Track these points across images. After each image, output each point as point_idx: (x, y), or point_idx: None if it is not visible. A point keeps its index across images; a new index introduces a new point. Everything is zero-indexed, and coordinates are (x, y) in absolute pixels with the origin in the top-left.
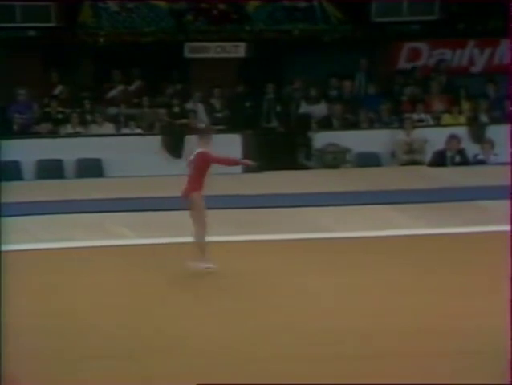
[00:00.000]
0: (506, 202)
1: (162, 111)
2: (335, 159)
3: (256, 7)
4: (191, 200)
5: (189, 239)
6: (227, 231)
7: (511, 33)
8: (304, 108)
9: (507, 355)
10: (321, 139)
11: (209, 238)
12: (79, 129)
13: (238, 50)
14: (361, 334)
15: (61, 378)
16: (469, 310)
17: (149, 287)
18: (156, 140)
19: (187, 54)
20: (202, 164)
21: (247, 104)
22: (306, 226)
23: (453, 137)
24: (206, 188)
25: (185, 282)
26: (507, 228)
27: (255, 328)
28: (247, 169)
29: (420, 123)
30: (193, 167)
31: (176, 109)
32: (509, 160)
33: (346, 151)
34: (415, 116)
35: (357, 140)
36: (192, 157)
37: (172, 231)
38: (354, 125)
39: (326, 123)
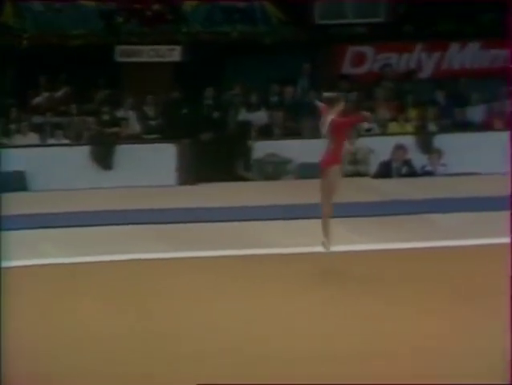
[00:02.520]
0: (454, 215)
1: (91, 119)
2: (276, 170)
3: (193, 7)
4: (330, 172)
5: (117, 257)
6: (159, 248)
7: (511, 33)
8: (244, 115)
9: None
10: (261, 148)
11: (140, 256)
12: (1, 140)
13: (173, 53)
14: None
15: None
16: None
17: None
18: (84, 151)
19: (118, 57)
20: (339, 132)
21: (183, 111)
22: (245, 241)
23: (399, 147)
24: (137, 202)
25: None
26: (455, 242)
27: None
28: (182, 181)
29: (365, 132)
30: (330, 137)
31: (107, 117)
32: (459, 170)
33: (287, 161)
34: (362, 125)
35: (299, 150)
36: (327, 127)
37: (98, 248)
38: (296, 134)
39: (266, 132)
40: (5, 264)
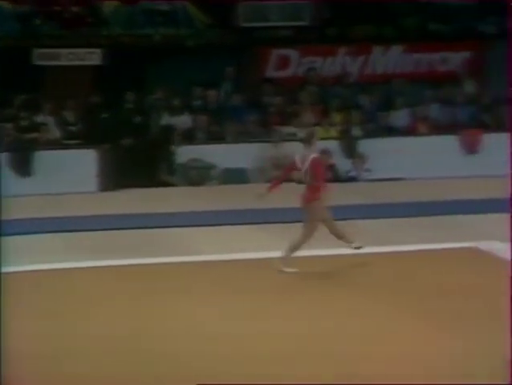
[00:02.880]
0: (378, 221)
1: (9, 124)
2: (200, 175)
3: (113, 10)
4: (312, 207)
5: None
6: (78, 256)
7: (511, 33)
8: (166, 120)
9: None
10: (184, 153)
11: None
12: None
13: (93, 56)
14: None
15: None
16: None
17: None
18: (1, 158)
19: (36, 61)
20: (318, 169)
21: (103, 116)
22: (168, 249)
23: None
24: (56, 209)
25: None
26: (380, 249)
27: None
28: (104, 187)
29: (289, 137)
30: (310, 174)
31: (25, 122)
32: (383, 175)
33: (211, 166)
34: (287, 129)
35: (223, 155)
36: (307, 165)
37: (17, 258)
38: (219, 138)
39: (189, 136)
40: None
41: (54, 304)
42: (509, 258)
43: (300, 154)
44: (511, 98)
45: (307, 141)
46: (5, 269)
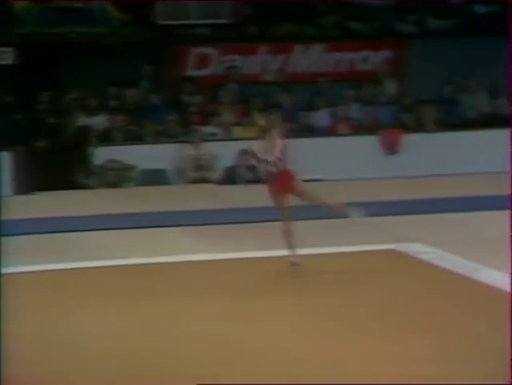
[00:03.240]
0: (299, 223)
1: None
2: (118, 176)
3: (25, 7)
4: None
5: None
6: None
7: (511, 33)
8: (83, 120)
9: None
10: (102, 154)
11: None
12: None
13: (5, 56)
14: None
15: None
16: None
17: None
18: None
19: None
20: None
21: (17, 117)
22: (83, 253)
23: (243, 152)
24: None
25: None
26: (304, 251)
27: None
28: (18, 191)
29: (209, 137)
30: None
31: None
32: (303, 176)
33: (129, 167)
34: (207, 129)
35: (142, 156)
36: (278, 150)
37: None
38: (138, 139)
39: (107, 137)
40: None
41: None
42: (428, 260)
43: (260, 144)
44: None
45: (270, 128)
46: None
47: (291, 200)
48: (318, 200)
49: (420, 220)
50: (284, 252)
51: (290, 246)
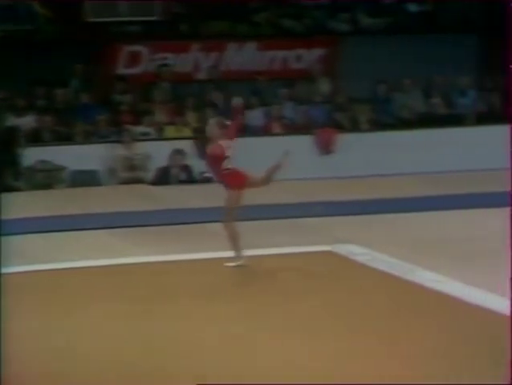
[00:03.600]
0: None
1: None
2: (48, 178)
3: None
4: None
5: None
6: None
7: (511, 33)
8: (10, 121)
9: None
10: (31, 155)
11: None
12: None
13: None
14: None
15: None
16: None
17: None
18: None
19: None
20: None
21: None
22: (18, 256)
23: (176, 152)
24: None
25: None
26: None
27: None
28: None
29: (142, 137)
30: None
31: None
32: None
33: (60, 168)
34: (139, 129)
35: (72, 156)
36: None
37: None
38: (68, 139)
39: (36, 138)
40: None
41: None
42: (363, 262)
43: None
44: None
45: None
46: None
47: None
48: (268, 178)
49: (355, 222)
50: (218, 254)
51: (237, 247)
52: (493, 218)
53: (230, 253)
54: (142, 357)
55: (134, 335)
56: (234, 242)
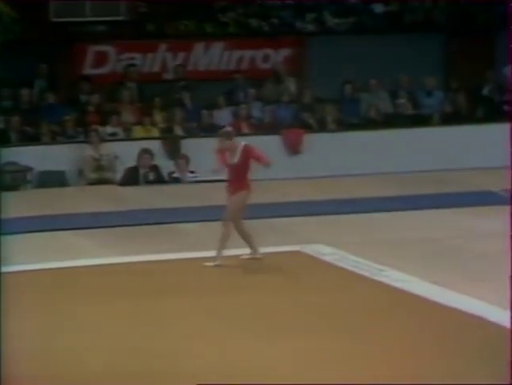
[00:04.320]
0: (202, 224)
1: None
2: (14, 179)
3: None
4: (238, 195)
5: None
6: None
7: (511, 32)
8: None
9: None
10: None
11: None
12: None
13: None
14: None
15: None
16: None
17: None
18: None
19: None
20: (248, 159)
21: None
22: None
23: (144, 152)
24: None
25: None
26: (204, 253)
27: None
28: None
29: (109, 137)
30: (241, 163)
31: None
32: (207, 176)
33: (26, 169)
34: (107, 129)
35: (39, 157)
36: (239, 154)
37: None
38: (34, 139)
39: (2, 138)
40: None
41: None
42: (332, 262)
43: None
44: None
45: (228, 138)
46: None
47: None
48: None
49: (323, 222)
50: (187, 254)
51: (222, 248)
52: (458, 217)
53: (200, 254)
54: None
55: (125, 335)
56: (223, 242)
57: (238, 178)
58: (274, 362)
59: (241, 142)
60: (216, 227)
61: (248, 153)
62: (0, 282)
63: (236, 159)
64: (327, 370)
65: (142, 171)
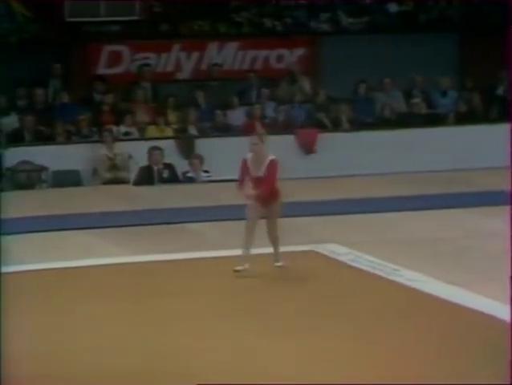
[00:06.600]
0: (215, 224)
1: None
2: (29, 178)
3: None
4: (276, 204)
5: None
6: None
7: (511, 32)
8: None
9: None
10: (12, 156)
11: None
12: None
13: None
14: None
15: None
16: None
17: None
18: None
19: None
20: (276, 170)
21: None
22: None
23: (154, 148)
24: None
25: None
26: (218, 253)
27: None
28: None
29: (123, 137)
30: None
31: None
32: (221, 176)
33: (41, 169)
34: (121, 129)
35: (53, 156)
36: (267, 165)
37: None
38: (49, 139)
39: (17, 138)
40: None
41: None
42: (346, 262)
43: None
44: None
45: (261, 142)
46: None
47: None
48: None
49: (336, 221)
50: (200, 254)
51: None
52: (472, 217)
53: (213, 254)
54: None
55: (128, 335)
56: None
57: (267, 189)
58: (280, 361)
59: (270, 155)
60: (228, 227)
61: (271, 168)
62: (0, 282)
63: (261, 172)
64: (328, 370)
65: (155, 168)
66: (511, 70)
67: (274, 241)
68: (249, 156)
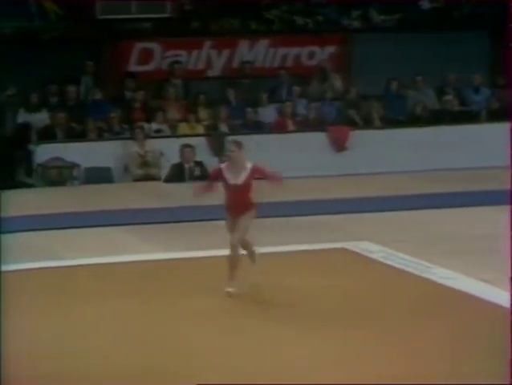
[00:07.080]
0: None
1: None
2: (61, 175)
3: None
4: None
5: None
6: None
7: (511, 32)
8: (23, 117)
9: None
10: (43, 152)
11: None
12: None
13: None
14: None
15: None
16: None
17: None
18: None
19: None
20: (253, 178)
21: None
22: (30, 253)
23: (185, 146)
24: None
25: None
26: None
27: None
28: None
29: (154, 134)
30: (248, 182)
31: None
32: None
33: (73, 165)
34: (152, 126)
35: (85, 153)
36: (248, 173)
37: None
38: (81, 136)
39: (48, 134)
40: None
41: None
42: (378, 259)
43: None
44: None
45: (239, 148)
46: None
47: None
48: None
49: (369, 219)
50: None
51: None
52: (504, 215)
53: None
54: (144, 356)
55: (138, 334)
56: (233, 268)
57: (244, 198)
58: (304, 358)
59: (248, 162)
60: (258, 224)
61: (257, 173)
62: (0, 282)
63: (240, 180)
64: (350, 368)
65: (187, 166)
66: (511, 70)
67: (245, 246)
68: (223, 164)
